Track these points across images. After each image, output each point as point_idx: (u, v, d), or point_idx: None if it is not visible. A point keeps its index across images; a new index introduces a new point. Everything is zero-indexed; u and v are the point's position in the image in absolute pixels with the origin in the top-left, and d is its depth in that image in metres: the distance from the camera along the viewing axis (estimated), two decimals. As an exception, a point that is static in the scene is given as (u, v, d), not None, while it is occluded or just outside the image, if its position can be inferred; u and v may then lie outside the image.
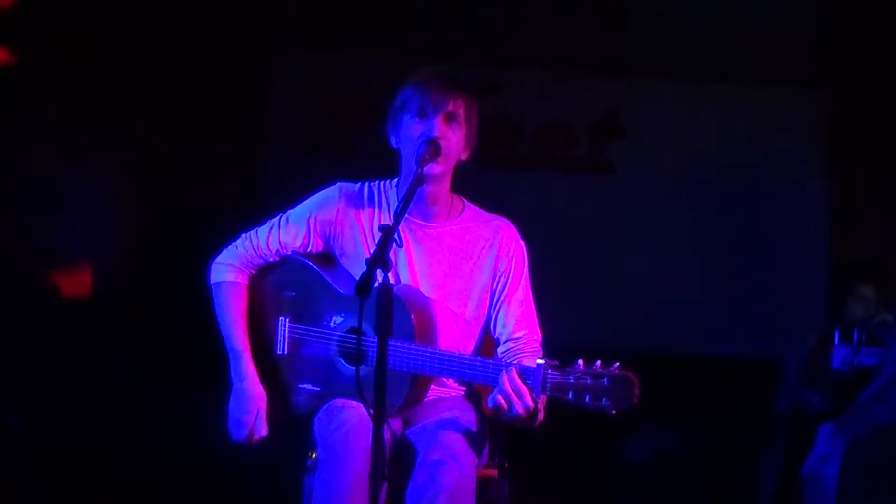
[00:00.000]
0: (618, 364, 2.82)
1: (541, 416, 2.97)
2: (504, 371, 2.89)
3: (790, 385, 5.05)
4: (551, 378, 2.83)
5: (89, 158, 5.41)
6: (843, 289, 5.04)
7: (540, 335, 3.21)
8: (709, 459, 5.48)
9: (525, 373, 2.88)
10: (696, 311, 5.80)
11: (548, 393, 2.84)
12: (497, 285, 3.19)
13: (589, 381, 2.80)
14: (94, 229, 5.37)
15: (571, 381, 2.81)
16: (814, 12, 5.66)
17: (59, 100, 5.36)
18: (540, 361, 2.86)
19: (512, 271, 3.20)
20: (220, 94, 5.57)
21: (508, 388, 2.87)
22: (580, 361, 2.83)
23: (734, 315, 5.79)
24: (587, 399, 2.80)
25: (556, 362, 2.85)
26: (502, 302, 3.19)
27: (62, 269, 5.32)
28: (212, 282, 3.30)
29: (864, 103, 5.76)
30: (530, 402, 2.87)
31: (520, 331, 3.18)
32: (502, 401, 2.88)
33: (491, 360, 2.98)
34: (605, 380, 2.79)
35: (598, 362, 2.81)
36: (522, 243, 3.24)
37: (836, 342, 4.50)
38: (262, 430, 3.17)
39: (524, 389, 2.87)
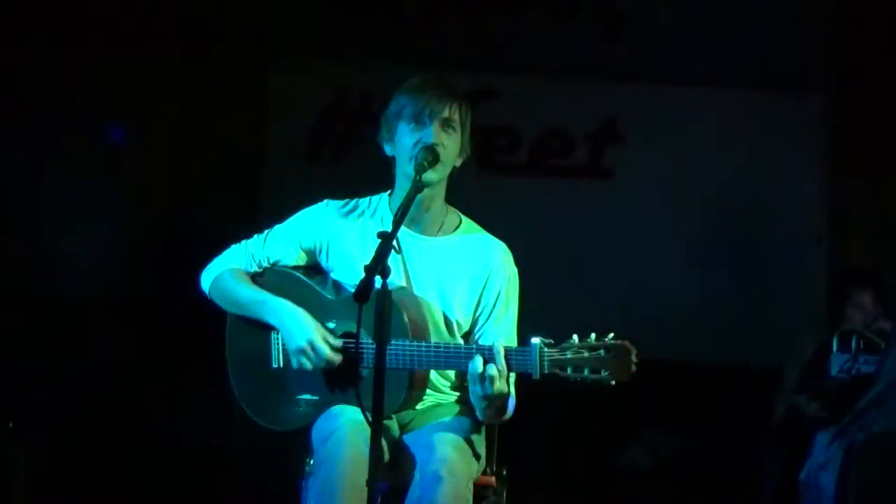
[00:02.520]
0: (612, 334, 2.83)
1: (510, 407, 2.99)
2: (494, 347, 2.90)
3: (788, 392, 5.04)
4: (549, 356, 2.83)
5: (89, 161, 5.42)
6: (841, 296, 5.03)
7: None
8: (707, 466, 5.48)
9: (520, 353, 2.88)
10: (695, 317, 5.80)
11: (546, 371, 2.83)
12: (483, 308, 3.17)
13: (586, 353, 2.81)
14: (94, 233, 5.38)
15: (569, 356, 2.82)
16: (811, 17, 5.67)
17: (59, 103, 5.37)
18: (535, 340, 2.85)
19: (500, 297, 3.17)
20: (219, 99, 5.57)
21: (494, 367, 2.87)
22: (574, 336, 2.83)
23: (732, 321, 5.79)
24: (586, 372, 2.81)
25: (550, 340, 2.85)
26: (486, 326, 3.17)
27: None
28: (207, 287, 3.28)
29: (862, 108, 5.76)
30: (505, 387, 2.88)
31: None
32: (483, 375, 2.87)
33: (487, 346, 2.96)
34: (602, 351, 2.80)
35: (593, 335, 2.82)
36: (515, 269, 3.21)
37: (834, 349, 4.49)
38: (335, 340, 3.07)
39: (503, 371, 2.86)
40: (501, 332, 3.15)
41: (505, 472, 3.30)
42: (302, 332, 3.07)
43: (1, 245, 5.30)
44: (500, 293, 3.17)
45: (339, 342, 3.07)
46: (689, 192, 5.89)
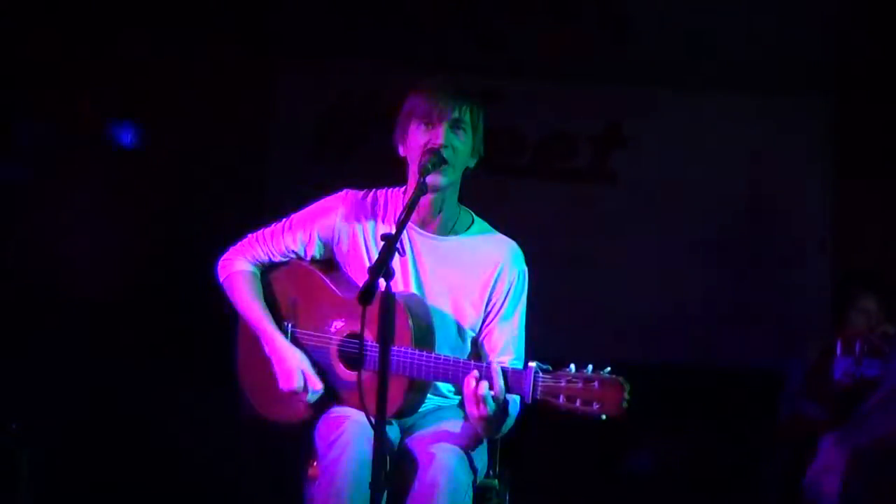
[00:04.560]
0: (608, 369, 2.81)
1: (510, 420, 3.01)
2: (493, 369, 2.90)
3: (792, 396, 5.03)
4: (542, 381, 2.82)
5: (92, 160, 5.41)
6: (845, 299, 5.02)
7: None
8: (710, 469, 5.47)
9: (515, 376, 2.87)
10: (698, 321, 5.79)
11: (538, 397, 2.83)
12: (493, 305, 3.19)
13: (580, 384, 2.79)
14: (96, 233, 5.37)
15: (562, 384, 2.80)
16: (815, 21, 5.67)
17: (61, 104, 5.37)
18: (531, 364, 2.85)
19: (510, 294, 3.19)
20: (224, 98, 5.57)
21: (486, 386, 2.87)
22: (571, 365, 2.82)
23: (736, 325, 5.78)
24: (577, 403, 2.79)
25: (547, 366, 2.85)
26: (495, 323, 3.19)
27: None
28: (222, 277, 3.30)
29: (866, 112, 5.76)
30: (492, 407, 2.87)
31: (506, 355, 3.17)
32: (477, 395, 2.88)
33: (484, 364, 2.97)
34: (596, 384, 2.78)
35: (590, 366, 2.81)
36: (525, 268, 3.23)
37: (838, 353, 4.49)
38: (316, 385, 3.12)
39: (498, 392, 2.87)
40: (508, 329, 3.18)
41: (507, 475, 3.29)
42: (287, 378, 3.12)
43: (2, 246, 5.29)
44: (508, 291, 3.18)
45: (319, 386, 3.12)
46: (692, 195, 5.88)
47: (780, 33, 5.68)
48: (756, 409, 5.26)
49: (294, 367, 3.13)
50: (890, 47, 5.56)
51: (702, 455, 5.51)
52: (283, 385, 3.13)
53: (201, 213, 5.43)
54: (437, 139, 3.07)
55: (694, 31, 5.70)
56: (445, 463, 2.95)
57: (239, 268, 3.27)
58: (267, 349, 3.19)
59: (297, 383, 3.11)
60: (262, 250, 3.27)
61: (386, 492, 2.94)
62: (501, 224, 3.30)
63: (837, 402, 4.47)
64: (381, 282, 2.71)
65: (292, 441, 3.24)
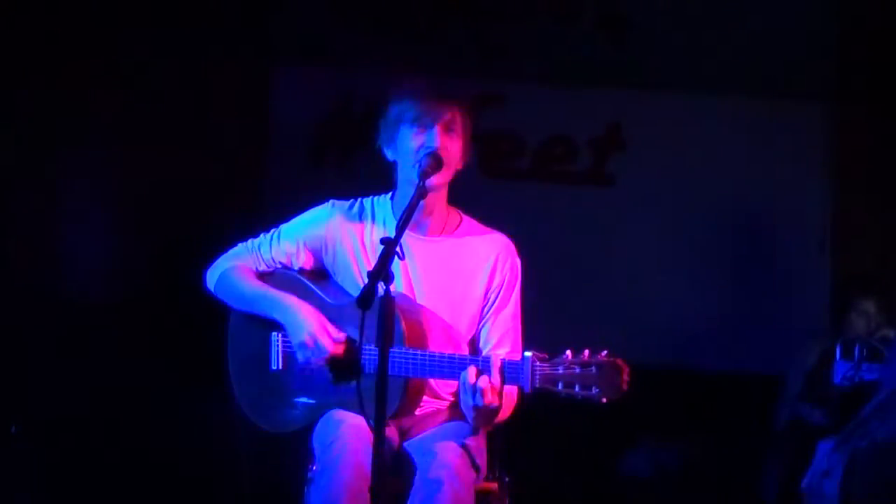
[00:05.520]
0: (606, 352, 2.82)
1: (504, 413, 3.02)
2: (490, 359, 2.91)
3: (791, 400, 5.04)
4: (540, 370, 2.83)
5: (89, 165, 5.41)
6: (844, 304, 5.03)
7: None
8: (709, 474, 5.47)
9: (512, 366, 2.88)
10: (696, 324, 5.79)
11: (538, 385, 2.83)
12: (488, 300, 3.19)
13: (578, 370, 2.80)
14: (95, 234, 5.38)
15: (560, 371, 2.81)
16: (814, 26, 5.67)
17: (59, 108, 5.37)
18: (527, 354, 2.86)
19: (504, 287, 3.19)
20: (222, 105, 5.57)
21: (487, 379, 2.88)
22: (568, 352, 2.83)
23: (734, 329, 5.78)
24: (577, 389, 2.80)
25: (544, 355, 2.85)
26: (490, 316, 3.20)
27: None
28: (212, 281, 3.29)
29: (865, 117, 5.75)
30: (497, 399, 2.88)
31: (501, 348, 3.18)
32: (475, 386, 2.88)
33: (480, 357, 2.98)
34: (594, 368, 2.79)
35: (587, 351, 2.81)
36: (518, 260, 3.24)
37: (838, 357, 4.49)
38: (337, 334, 3.07)
39: (496, 384, 2.87)
40: (503, 322, 3.19)
41: (506, 479, 3.29)
42: (304, 326, 3.07)
43: (1, 246, 5.30)
44: (502, 284, 3.19)
45: (341, 336, 3.08)
46: (691, 197, 5.88)
47: (780, 34, 5.68)
48: (755, 412, 5.26)
49: (308, 333, 3.06)
50: (891, 49, 5.56)
51: (700, 459, 5.52)
52: (312, 354, 3.07)
53: (201, 214, 5.43)
54: (433, 141, 3.07)
55: (694, 31, 5.70)
56: (448, 461, 2.96)
57: (230, 265, 3.27)
58: (278, 316, 3.14)
59: (320, 348, 3.05)
60: (250, 260, 3.27)
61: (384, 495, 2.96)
62: (501, 227, 3.30)
63: (837, 406, 4.48)
64: (381, 286, 2.72)
65: (292, 442, 3.24)
